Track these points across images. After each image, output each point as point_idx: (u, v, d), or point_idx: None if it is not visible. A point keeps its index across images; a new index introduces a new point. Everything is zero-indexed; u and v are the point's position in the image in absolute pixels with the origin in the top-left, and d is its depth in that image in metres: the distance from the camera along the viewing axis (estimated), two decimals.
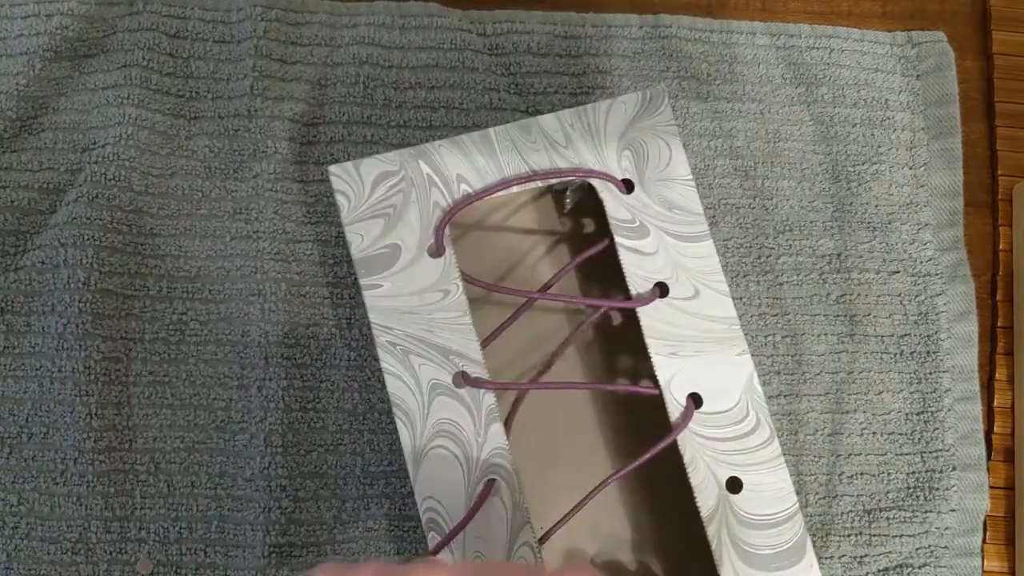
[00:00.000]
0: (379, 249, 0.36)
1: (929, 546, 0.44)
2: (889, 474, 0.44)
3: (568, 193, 0.40)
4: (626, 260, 0.36)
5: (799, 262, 0.46)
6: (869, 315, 0.46)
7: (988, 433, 0.46)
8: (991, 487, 0.45)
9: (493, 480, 0.34)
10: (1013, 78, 0.49)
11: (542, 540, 0.36)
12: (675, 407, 0.35)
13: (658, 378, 0.35)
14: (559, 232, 0.42)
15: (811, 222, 0.47)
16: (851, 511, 0.44)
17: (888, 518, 0.44)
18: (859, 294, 0.46)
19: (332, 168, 0.36)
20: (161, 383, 0.42)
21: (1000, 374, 0.47)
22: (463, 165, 0.36)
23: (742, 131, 0.47)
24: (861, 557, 0.43)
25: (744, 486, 0.35)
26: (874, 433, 0.45)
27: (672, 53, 0.47)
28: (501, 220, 0.42)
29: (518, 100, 0.46)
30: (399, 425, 0.34)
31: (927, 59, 0.49)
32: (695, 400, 0.35)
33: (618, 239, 0.36)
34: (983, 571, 0.45)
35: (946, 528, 0.44)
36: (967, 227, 0.47)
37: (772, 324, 0.45)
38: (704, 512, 0.34)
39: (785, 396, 0.45)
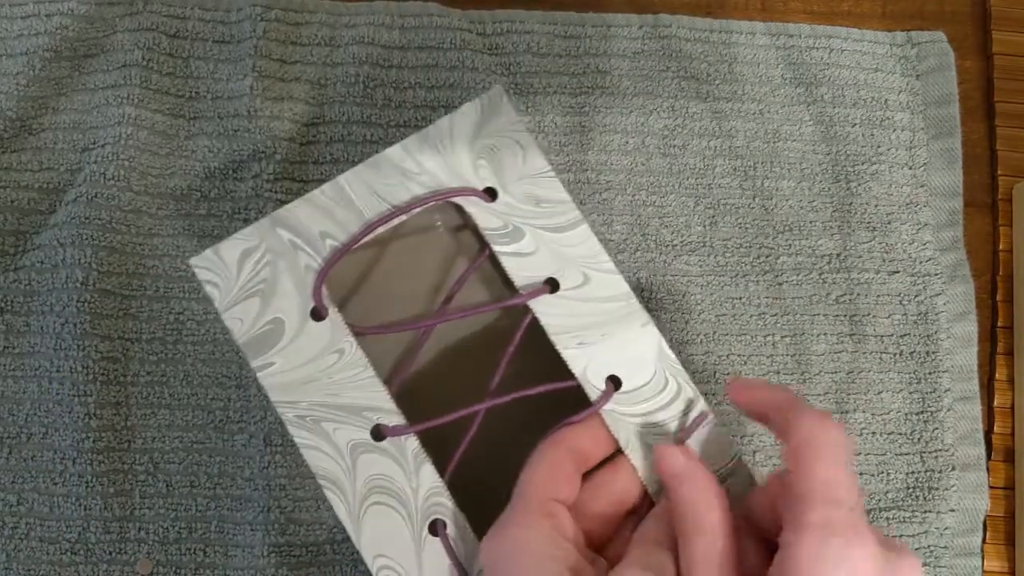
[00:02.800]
0: (262, 328, 0.34)
1: (929, 546, 0.44)
2: (888, 474, 0.44)
3: (436, 218, 0.39)
4: (509, 265, 0.36)
5: (799, 262, 0.46)
6: (869, 315, 0.46)
7: (988, 433, 0.46)
8: (991, 487, 0.45)
9: (436, 520, 0.33)
10: (1013, 78, 0.49)
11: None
12: (595, 393, 0.35)
13: (572, 371, 0.35)
14: (451, 250, 0.41)
15: (811, 222, 0.47)
16: None
17: (887, 518, 0.44)
18: (859, 294, 0.46)
19: (193, 260, 0.35)
20: (159, 383, 0.42)
21: (1000, 374, 0.47)
22: (322, 221, 0.35)
23: (742, 131, 0.47)
24: None
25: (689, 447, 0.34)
26: (873, 433, 0.45)
27: (672, 53, 0.47)
28: (390, 257, 0.40)
29: (518, 100, 0.46)
30: (329, 496, 0.33)
31: (927, 59, 0.48)
32: (614, 382, 0.35)
33: (495, 248, 0.36)
34: (983, 571, 0.45)
35: (946, 528, 0.44)
36: (967, 227, 0.47)
37: (772, 324, 0.45)
38: (652, 489, 0.34)
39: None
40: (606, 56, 0.47)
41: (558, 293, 0.36)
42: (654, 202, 0.46)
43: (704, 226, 0.46)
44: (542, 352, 0.36)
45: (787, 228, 0.46)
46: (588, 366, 0.35)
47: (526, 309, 0.36)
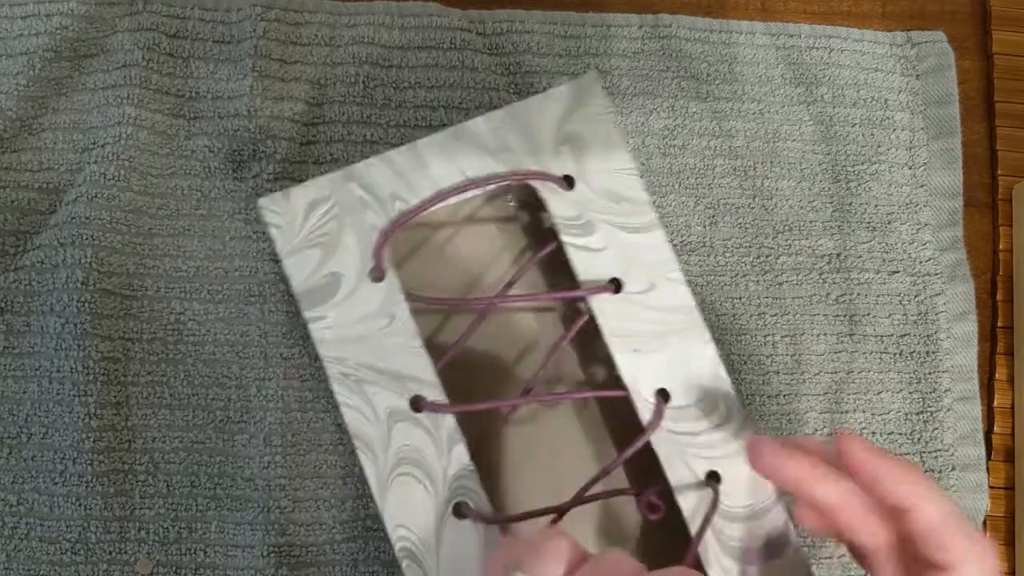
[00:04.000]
0: (320, 280, 0.34)
1: None
2: None
3: (510, 196, 0.39)
4: (575, 258, 0.35)
5: (799, 262, 0.46)
6: (869, 315, 0.46)
7: (988, 433, 0.46)
8: (991, 487, 0.45)
9: (460, 503, 0.33)
10: (1013, 78, 0.49)
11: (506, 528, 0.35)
12: (644, 405, 0.34)
13: (623, 378, 0.34)
14: (516, 233, 0.40)
15: (811, 222, 0.47)
16: None
17: None
18: (859, 294, 0.46)
19: (261, 201, 0.34)
20: (160, 383, 0.42)
21: (1000, 374, 0.47)
22: (395, 182, 0.35)
23: (742, 131, 0.47)
24: None
25: (723, 479, 0.34)
26: (873, 433, 0.45)
27: (672, 53, 0.47)
28: (453, 231, 0.40)
29: (518, 100, 0.46)
30: (361, 457, 0.33)
31: (927, 59, 0.48)
32: (663, 396, 0.34)
33: (564, 238, 0.35)
34: None
35: None
36: (967, 227, 0.47)
37: (771, 324, 0.45)
38: (686, 511, 0.33)
39: (784, 396, 0.45)
40: (606, 56, 0.47)
41: (621, 295, 0.35)
42: (654, 202, 0.46)
43: (704, 226, 0.46)
44: (593, 353, 0.36)
45: (787, 228, 0.46)
46: (639, 375, 0.34)
47: (585, 306, 0.35)
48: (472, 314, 0.38)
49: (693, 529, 0.33)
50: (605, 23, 0.47)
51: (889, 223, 0.47)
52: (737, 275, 0.45)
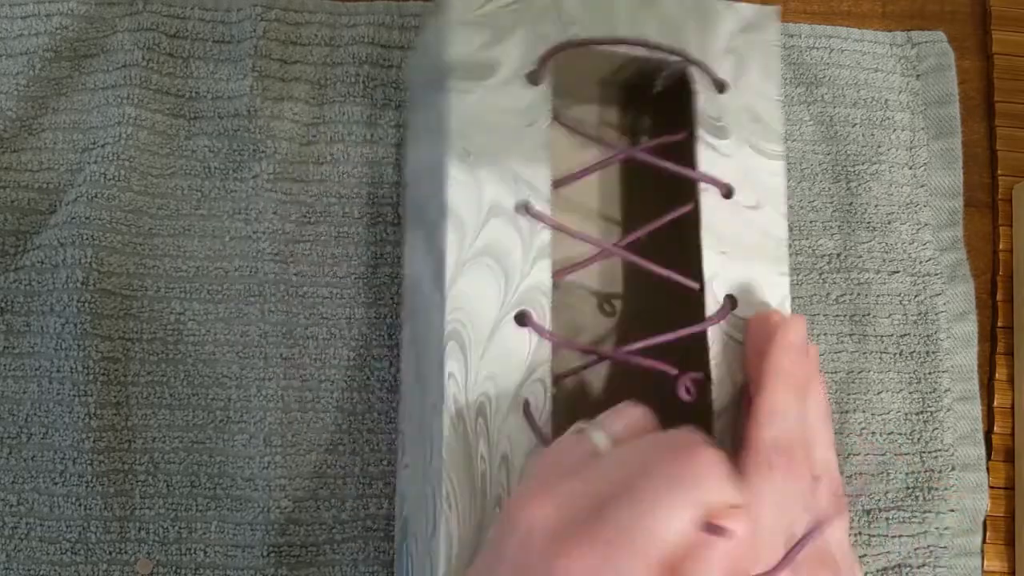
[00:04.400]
0: (478, 57, 0.35)
1: (928, 546, 0.44)
2: (888, 474, 0.44)
3: (663, 76, 0.40)
4: (701, 153, 0.36)
5: (799, 262, 0.46)
6: (868, 315, 0.46)
7: (988, 433, 0.46)
8: (991, 487, 0.45)
9: (526, 311, 0.34)
10: (1013, 78, 0.49)
11: (556, 380, 0.35)
12: (712, 301, 0.36)
13: (704, 271, 0.36)
14: (652, 115, 0.43)
15: (811, 222, 0.47)
16: (850, 511, 0.44)
17: (887, 518, 0.44)
18: (858, 294, 0.46)
19: None
20: (160, 383, 0.42)
21: (1000, 374, 0.47)
22: (581, 11, 0.36)
23: None
24: (860, 557, 0.43)
25: None
26: (873, 433, 0.45)
27: None
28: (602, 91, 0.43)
29: None
30: (449, 232, 0.33)
31: (927, 59, 0.48)
32: (731, 302, 0.36)
33: (699, 131, 0.36)
34: (983, 571, 0.45)
35: (945, 528, 0.44)
36: (967, 227, 0.47)
37: None
38: (716, 407, 0.35)
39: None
40: None
41: (730, 200, 0.36)
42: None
43: None
44: (677, 255, 0.37)
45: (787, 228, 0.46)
46: (717, 275, 0.36)
47: (693, 199, 0.36)
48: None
49: (716, 427, 0.35)
50: None
51: (889, 223, 0.47)
52: None
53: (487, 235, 0.34)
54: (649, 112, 0.43)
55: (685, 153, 0.37)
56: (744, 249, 0.36)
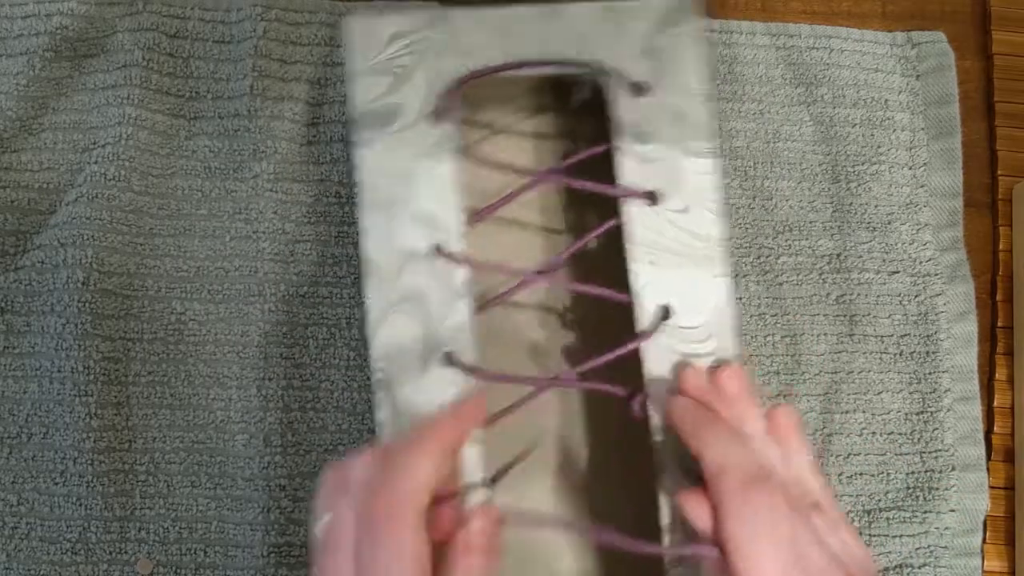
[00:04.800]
0: (380, 106, 0.35)
1: (929, 546, 0.44)
2: (889, 474, 0.44)
3: (575, 89, 0.40)
4: (622, 163, 0.36)
5: (799, 262, 0.46)
6: (869, 315, 0.46)
7: (988, 433, 0.46)
8: (991, 487, 0.45)
9: (449, 353, 0.34)
10: (1013, 78, 0.49)
11: (493, 420, 0.35)
12: (643, 313, 0.35)
13: (631, 284, 0.35)
14: (573, 128, 0.42)
15: (811, 222, 0.46)
16: (850, 511, 0.44)
17: (888, 518, 0.44)
18: (859, 294, 0.46)
19: (347, 18, 0.35)
20: (160, 383, 0.43)
21: (1000, 374, 0.47)
22: (480, 37, 0.36)
23: (742, 131, 0.47)
24: None
25: None
26: (874, 433, 0.45)
27: None
28: (512, 116, 0.42)
29: None
30: (367, 283, 0.34)
31: (927, 59, 0.48)
32: (664, 312, 0.35)
33: (620, 140, 0.36)
34: (983, 571, 0.45)
35: (946, 528, 0.44)
36: (967, 227, 0.47)
37: (771, 324, 0.45)
38: (654, 422, 0.34)
39: (784, 396, 0.45)
40: None
41: (655, 208, 0.36)
42: None
43: None
44: (608, 269, 0.37)
45: (787, 228, 0.46)
46: (648, 286, 0.35)
47: (615, 212, 0.36)
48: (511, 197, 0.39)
49: (654, 442, 0.34)
50: None
51: (889, 223, 0.47)
52: (737, 275, 0.45)
53: (405, 282, 0.34)
54: (587, 120, 0.42)
55: (611, 164, 0.36)
56: (674, 255, 0.35)
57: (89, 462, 0.41)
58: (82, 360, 0.41)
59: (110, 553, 0.41)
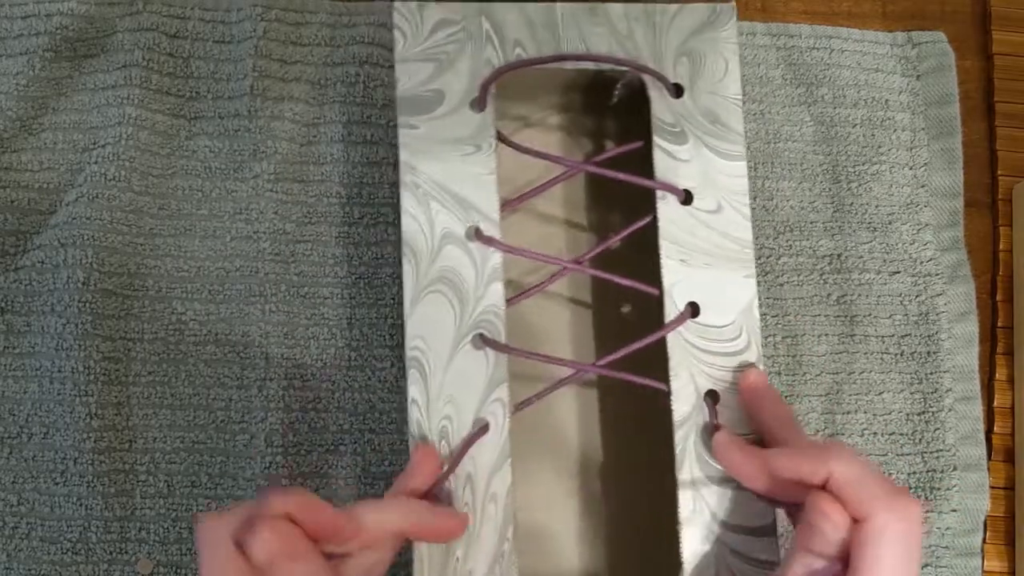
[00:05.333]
0: (424, 92, 0.36)
1: (929, 546, 0.44)
2: (890, 474, 0.44)
3: (618, 87, 0.41)
4: (659, 161, 0.37)
5: (799, 263, 0.46)
6: (869, 315, 0.46)
7: (988, 433, 0.46)
8: (991, 487, 0.45)
9: (482, 334, 0.35)
10: (1013, 78, 0.49)
11: (517, 408, 0.36)
12: (671, 309, 0.36)
13: (663, 280, 0.36)
14: (611, 124, 0.43)
15: (811, 222, 0.47)
16: None
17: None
18: (859, 294, 0.46)
19: (396, 4, 0.37)
20: (161, 383, 0.42)
21: (1000, 374, 0.47)
22: (522, 31, 0.37)
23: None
24: None
25: (721, 401, 0.36)
26: (875, 433, 0.45)
27: None
28: (556, 104, 0.43)
29: None
30: (405, 263, 0.35)
31: (927, 59, 0.48)
32: (693, 309, 0.36)
33: (656, 139, 0.37)
34: (983, 571, 0.45)
35: (946, 528, 0.44)
36: (967, 227, 0.47)
37: (772, 325, 0.45)
38: (676, 417, 0.35)
39: (785, 396, 0.45)
40: None
41: (688, 207, 0.37)
42: None
43: None
44: (639, 266, 0.38)
45: (787, 228, 0.46)
46: (678, 283, 0.36)
47: (643, 211, 0.37)
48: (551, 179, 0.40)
49: (676, 436, 0.35)
50: None
51: (890, 223, 0.47)
52: None
53: (441, 263, 0.35)
54: (615, 119, 0.44)
55: (645, 161, 0.37)
56: (705, 255, 0.36)
57: (89, 462, 0.41)
58: (82, 360, 0.41)
59: (110, 553, 0.41)
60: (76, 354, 0.41)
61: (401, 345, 0.43)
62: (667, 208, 0.37)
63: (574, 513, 0.41)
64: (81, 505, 0.41)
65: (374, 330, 0.43)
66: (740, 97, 0.38)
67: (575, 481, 0.41)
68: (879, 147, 0.47)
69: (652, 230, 0.37)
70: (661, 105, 0.37)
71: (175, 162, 0.44)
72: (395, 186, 0.44)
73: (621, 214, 0.42)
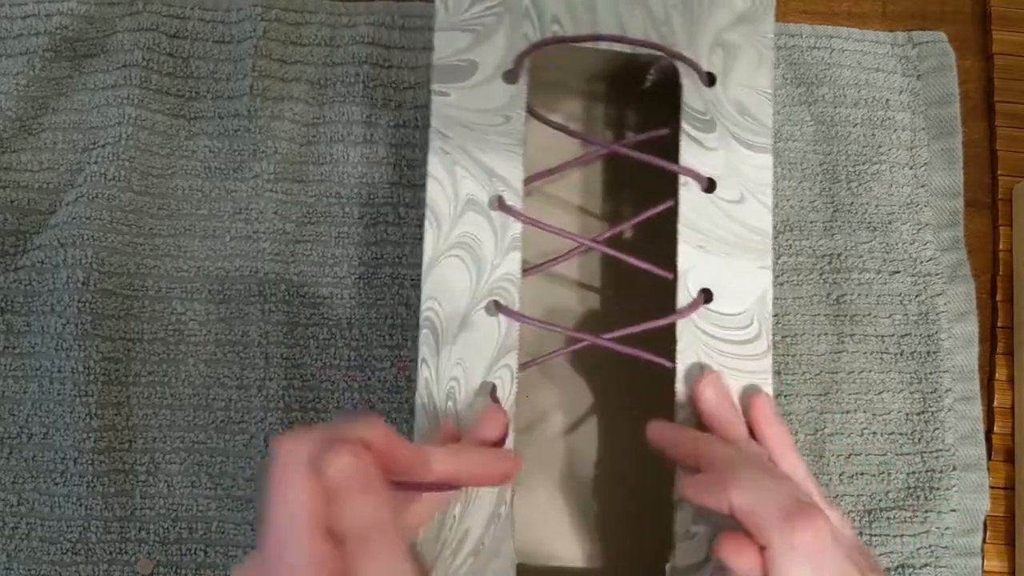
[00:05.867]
0: (458, 61, 0.37)
1: (929, 546, 0.44)
2: (889, 474, 0.44)
3: (651, 72, 0.41)
4: (685, 148, 0.37)
5: (799, 262, 0.46)
6: (869, 315, 0.46)
7: (988, 433, 0.46)
8: (991, 487, 0.45)
9: (496, 301, 0.35)
10: (1013, 78, 0.49)
11: (522, 368, 0.36)
12: (684, 294, 0.36)
13: (678, 265, 0.36)
14: (640, 107, 0.44)
15: (811, 222, 0.46)
16: (851, 511, 0.44)
17: (888, 518, 0.44)
18: (859, 294, 0.46)
19: None
20: (160, 383, 0.42)
21: (1000, 374, 0.47)
22: (561, 8, 0.37)
23: None
24: None
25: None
26: (874, 433, 0.45)
27: None
28: (587, 82, 0.43)
29: None
30: (427, 226, 0.35)
31: (927, 59, 0.48)
32: (706, 295, 0.36)
33: (684, 125, 0.37)
34: (983, 571, 0.45)
35: (946, 528, 0.44)
36: (967, 227, 0.47)
37: (772, 324, 0.45)
38: (679, 398, 0.35)
39: (785, 396, 0.45)
40: None
41: (711, 195, 0.37)
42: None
43: None
44: (656, 250, 0.38)
45: (788, 228, 0.46)
46: (693, 268, 0.36)
47: (671, 198, 0.37)
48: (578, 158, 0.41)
49: (677, 418, 0.35)
50: None
51: (890, 223, 0.47)
52: None
53: (462, 228, 0.36)
54: (639, 106, 0.44)
55: (670, 148, 0.37)
56: (723, 243, 0.37)
57: (89, 462, 0.41)
58: (82, 360, 0.41)
59: (110, 553, 0.41)
60: (76, 354, 0.41)
61: (401, 346, 0.43)
62: (689, 194, 0.37)
63: (567, 509, 0.41)
64: (81, 505, 0.41)
65: (374, 330, 0.43)
66: (770, 91, 0.38)
67: (569, 489, 0.42)
68: (879, 147, 0.47)
69: (671, 217, 0.37)
70: (692, 93, 0.37)
71: (175, 162, 0.44)
72: (395, 186, 0.45)
73: (639, 203, 0.43)
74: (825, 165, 0.47)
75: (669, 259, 0.37)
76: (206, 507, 0.42)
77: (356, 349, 0.43)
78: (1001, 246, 0.48)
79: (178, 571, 0.41)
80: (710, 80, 0.37)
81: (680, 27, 0.37)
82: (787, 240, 0.46)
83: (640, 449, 0.41)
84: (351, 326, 0.43)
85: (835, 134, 0.47)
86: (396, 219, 0.44)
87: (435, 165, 0.36)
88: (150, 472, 0.42)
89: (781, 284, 0.46)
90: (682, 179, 0.37)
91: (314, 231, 0.44)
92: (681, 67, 0.37)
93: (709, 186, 0.37)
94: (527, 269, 0.37)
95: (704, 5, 0.38)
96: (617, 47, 0.37)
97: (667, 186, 0.37)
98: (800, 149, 0.47)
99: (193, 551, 0.41)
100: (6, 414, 0.42)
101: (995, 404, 0.46)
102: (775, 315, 0.45)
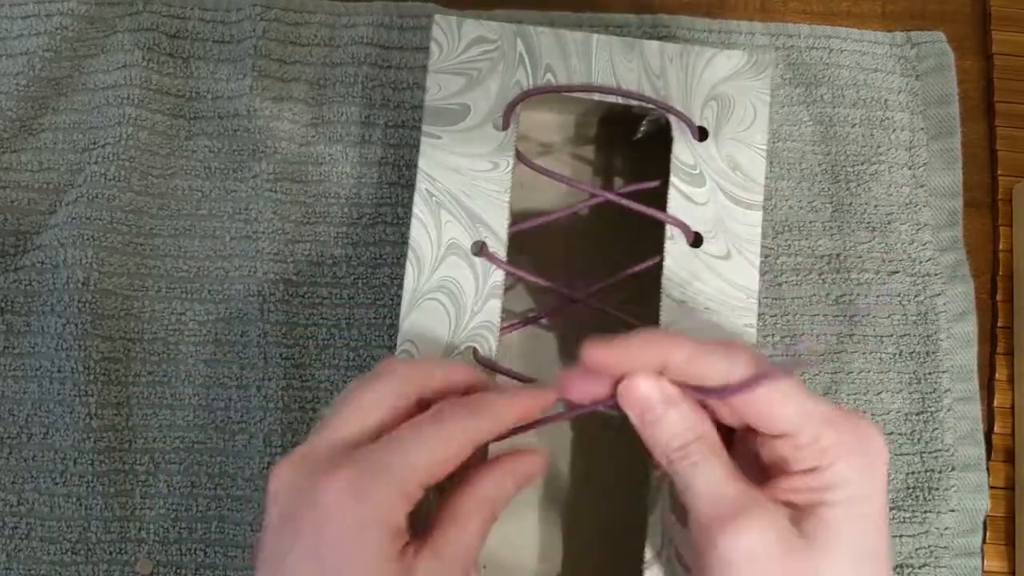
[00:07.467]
0: (450, 104, 0.37)
1: (929, 546, 0.44)
2: (889, 474, 0.44)
3: (644, 122, 0.41)
4: (673, 200, 0.37)
5: (798, 262, 0.46)
6: (868, 315, 0.46)
7: (988, 433, 0.46)
8: (991, 487, 0.45)
9: (475, 348, 0.35)
10: (1013, 78, 0.49)
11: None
12: None
13: (660, 319, 0.36)
14: (631, 160, 0.43)
15: (810, 222, 0.46)
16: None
17: (888, 518, 0.44)
18: (858, 294, 0.46)
19: (437, 17, 0.37)
20: (160, 383, 0.43)
21: (1000, 374, 0.47)
22: (556, 57, 0.37)
23: None
24: None
25: None
26: None
27: None
28: (575, 133, 0.43)
29: None
30: (408, 267, 0.36)
31: (927, 59, 0.48)
32: None
33: (673, 179, 0.37)
34: (983, 571, 0.45)
35: (946, 528, 0.44)
36: (967, 227, 0.47)
37: (771, 324, 0.45)
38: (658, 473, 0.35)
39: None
40: None
41: (697, 250, 0.37)
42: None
43: None
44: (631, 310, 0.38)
45: (787, 228, 0.46)
46: (675, 323, 0.36)
47: (657, 251, 0.37)
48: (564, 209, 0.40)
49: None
50: (603, 23, 0.47)
51: (889, 223, 0.47)
52: None
53: (443, 272, 0.36)
54: (631, 156, 0.44)
55: (660, 200, 0.37)
56: (707, 299, 0.36)
57: (89, 462, 0.41)
58: (82, 360, 0.41)
59: (110, 553, 0.41)
60: (76, 354, 0.41)
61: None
62: (674, 248, 0.36)
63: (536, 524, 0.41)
64: (81, 505, 0.41)
65: (373, 330, 0.43)
66: (764, 147, 0.38)
67: (543, 499, 0.41)
68: (878, 147, 0.47)
69: (656, 270, 0.37)
70: (683, 146, 0.37)
71: (175, 162, 0.44)
72: (394, 186, 0.45)
73: (624, 255, 0.42)
74: (824, 165, 0.47)
75: (653, 312, 0.36)
76: (206, 507, 0.42)
77: (356, 350, 0.43)
78: (1001, 246, 0.48)
79: (178, 571, 0.41)
80: (702, 134, 0.37)
81: (675, 79, 0.37)
82: (786, 240, 0.46)
83: (619, 467, 0.41)
84: (351, 326, 0.43)
85: (834, 134, 0.47)
86: (395, 219, 0.44)
87: (420, 206, 0.36)
88: (150, 472, 0.42)
89: (780, 284, 0.46)
90: (669, 232, 0.36)
91: (313, 231, 0.44)
92: (673, 120, 0.37)
93: (696, 240, 0.37)
94: (506, 325, 0.37)
95: (702, 58, 0.38)
96: (610, 98, 0.37)
97: (654, 237, 0.37)
98: (799, 149, 0.47)
99: (193, 551, 0.41)
100: (6, 414, 0.42)
101: (995, 404, 0.46)
102: (774, 315, 0.45)
